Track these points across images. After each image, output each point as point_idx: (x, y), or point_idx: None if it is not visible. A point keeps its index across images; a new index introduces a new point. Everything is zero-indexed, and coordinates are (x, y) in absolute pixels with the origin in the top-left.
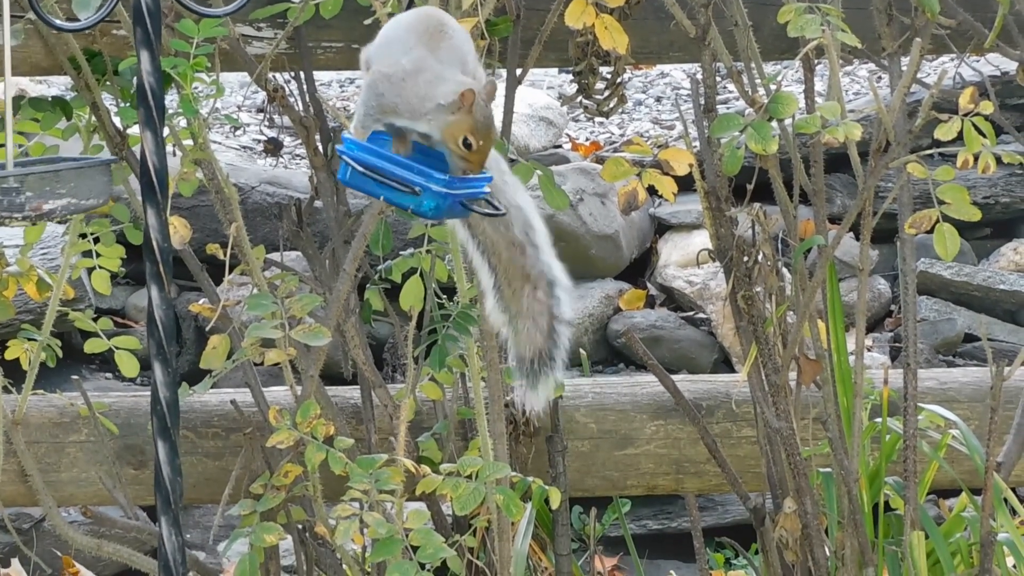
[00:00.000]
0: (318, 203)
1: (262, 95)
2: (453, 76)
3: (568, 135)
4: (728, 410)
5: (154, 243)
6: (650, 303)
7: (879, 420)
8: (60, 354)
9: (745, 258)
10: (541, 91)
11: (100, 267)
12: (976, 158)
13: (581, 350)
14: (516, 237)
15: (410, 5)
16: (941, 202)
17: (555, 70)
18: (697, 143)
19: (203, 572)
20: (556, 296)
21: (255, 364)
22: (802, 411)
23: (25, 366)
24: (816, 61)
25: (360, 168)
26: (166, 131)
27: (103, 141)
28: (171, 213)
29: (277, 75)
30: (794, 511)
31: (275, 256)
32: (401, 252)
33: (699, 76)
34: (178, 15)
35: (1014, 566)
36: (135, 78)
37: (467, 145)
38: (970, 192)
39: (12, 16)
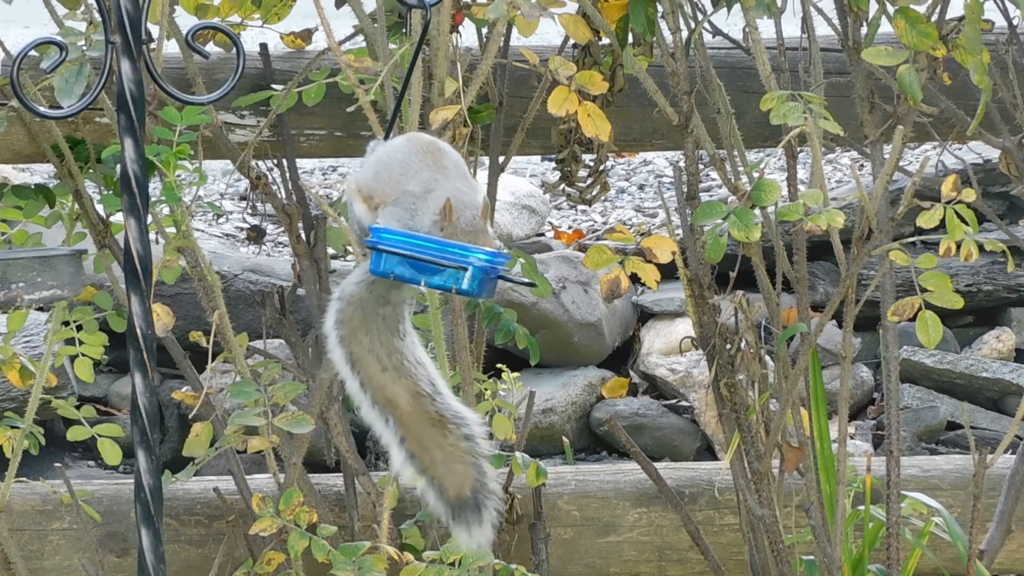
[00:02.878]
0: (301, 290)
1: (245, 182)
2: (460, 189)
3: (551, 223)
4: (711, 497)
5: (138, 330)
6: (633, 391)
7: (862, 507)
8: (43, 442)
9: (728, 346)
10: (524, 179)
11: (83, 355)
12: (958, 246)
13: (564, 438)
14: (423, 388)
15: (395, 111)
16: (924, 289)
17: (538, 157)
18: (680, 231)
19: None
20: (471, 431)
21: (238, 451)
22: (785, 498)
23: (8, 454)
24: (798, 149)
25: (401, 253)
26: (149, 218)
27: (86, 229)
28: (154, 300)
29: (260, 162)
30: None
31: (258, 343)
32: None
33: (682, 163)
34: (161, 103)
35: None
36: (118, 165)
37: None
38: (952, 280)
39: None
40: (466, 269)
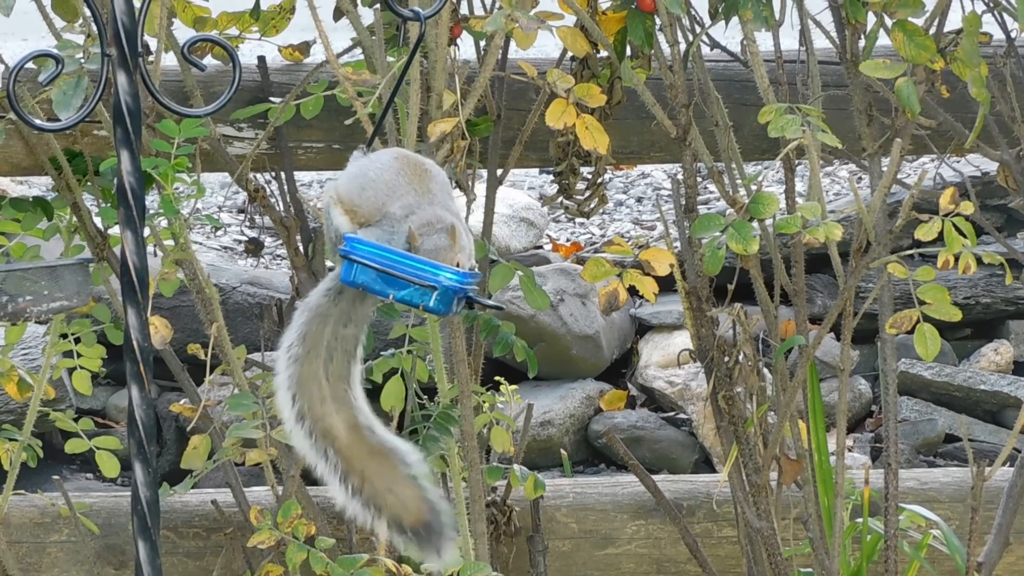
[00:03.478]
0: (299, 303)
1: (243, 195)
2: (437, 215)
3: (549, 236)
4: (709, 510)
5: (135, 343)
6: (631, 403)
7: (860, 520)
8: (41, 454)
9: (726, 358)
10: (522, 191)
11: (81, 367)
12: (957, 258)
13: (562, 451)
14: (360, 420)
15: (380, 121)
16: (922, 302)
17: (536, 170)
18: (678, 243)
19: None
20: (408, 459)
21: (236, 464)
22: (783, 511)
23: (6, 466)
24: (796, 161)
25: (372, 266)
26: (147, 231)
27: (84, 241)
28: (152, 313)
29: (258, 175)
30: None
31: (256, 356)
32: (382, 352)
33: (680, 176)
34: (159, 115)
35: None
36: (116, 178)
37: None
38: (951, 292)
39: None
40: (435, 288)
